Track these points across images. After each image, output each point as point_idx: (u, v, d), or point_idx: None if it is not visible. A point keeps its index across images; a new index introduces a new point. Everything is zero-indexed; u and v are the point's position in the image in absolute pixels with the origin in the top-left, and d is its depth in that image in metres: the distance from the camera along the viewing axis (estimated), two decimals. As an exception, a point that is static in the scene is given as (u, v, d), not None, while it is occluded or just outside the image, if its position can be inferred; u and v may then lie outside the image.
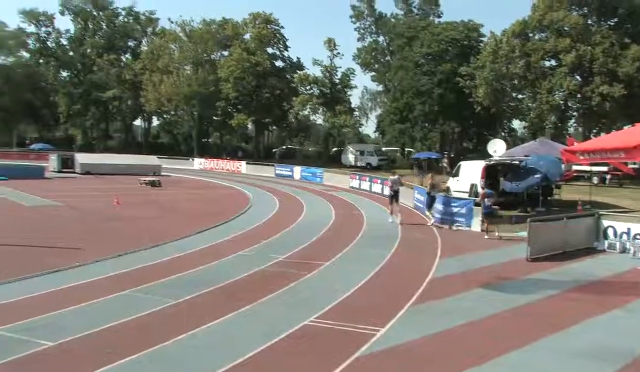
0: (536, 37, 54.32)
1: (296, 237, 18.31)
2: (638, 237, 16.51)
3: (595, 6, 52.40)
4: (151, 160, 52.35)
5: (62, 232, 18.48)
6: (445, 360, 8.22)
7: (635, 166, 38.17)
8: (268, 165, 57.54)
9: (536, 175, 24.79)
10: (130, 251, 15.01)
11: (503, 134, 64.22)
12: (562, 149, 21.96)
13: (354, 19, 78.16)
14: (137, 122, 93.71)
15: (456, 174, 29.44)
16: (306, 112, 76.07)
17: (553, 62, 53.93)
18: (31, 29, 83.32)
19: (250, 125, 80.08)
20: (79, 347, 8.20)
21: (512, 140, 63.65)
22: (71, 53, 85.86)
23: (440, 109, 61.75)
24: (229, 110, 73.70)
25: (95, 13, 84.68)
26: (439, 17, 74.55)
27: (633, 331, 9.72)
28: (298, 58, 77.55)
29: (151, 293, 11.09)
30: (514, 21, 53.70)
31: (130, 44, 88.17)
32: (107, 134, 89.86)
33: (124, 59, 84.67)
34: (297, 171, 50.63)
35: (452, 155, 57.73)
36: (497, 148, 29.47)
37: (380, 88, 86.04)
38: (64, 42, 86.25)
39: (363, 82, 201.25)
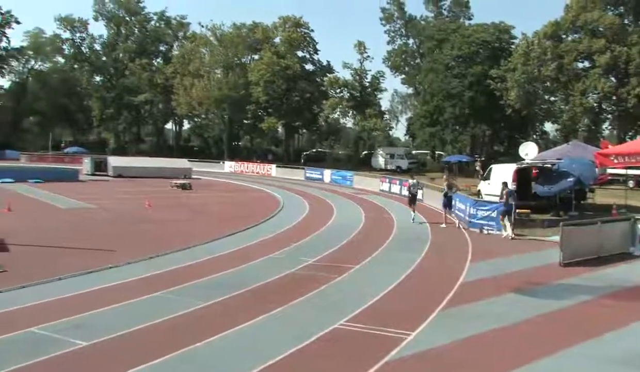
0: (569, 38, 53.50)
1: (326, 241, 18.34)
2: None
3: (632, 5, 51.50)
4: (182, 163, 52.92)
5: (96, 234, 18.79)
6: (476, 365, 8.16)
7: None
8: (298, 168, 57.70)
9: (569, 179, 24.37)
10: (161, 253, 15.22)
11: (535, 136, 63.25)
12: (595, 152, 21.69)
13: (383, 22, 77.82)
14: (169, 125, 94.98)
15: (487, 177, 29.17)
16: (336, 116, 75.93)
17: (587, 64, 53.08)
18: (66, 35, 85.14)
19: (280, 129, 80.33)
20: (112, 347, 8.34)
21: (544, 143, 62.67)
22: (104, 58, 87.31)
23: (470, 112, 61.16)
24: (259, 113, 74.05)
25: (127, 18, 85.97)
26: (470, 19, 73.86)
27: (670, 339, 9.49)
28: (328, 61, 77.53)
29: (183, 295, 11.23)
30: (545, 23, 53.18)
31: (162, 48, 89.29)
32: (139, 138, 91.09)
33: (155, 64, 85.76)
34: (327, 174, 50.69)
35: (483, 159, 57.14)
36: (528, 151, 29.09)
37: (410, 91, 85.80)
38: (98, 47, 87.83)
39: (393, 85, 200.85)
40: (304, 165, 63.51)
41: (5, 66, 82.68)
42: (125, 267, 13.53)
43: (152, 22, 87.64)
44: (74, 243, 16.54)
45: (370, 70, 73.36)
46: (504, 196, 20.59)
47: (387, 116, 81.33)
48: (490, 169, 29.50)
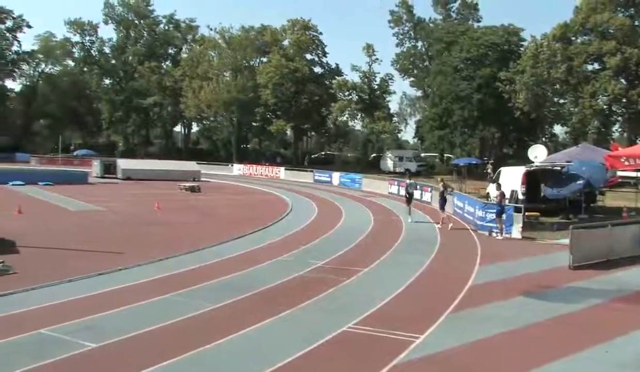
0: (578, 40, 53.20)
1: (335, 243, 18.33)
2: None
3: (643, 6, 51.19)
4: (191, 166, 53.09)
5: (105, 236, 18.85)
6: (485, 369, 8.13)
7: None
8: (307, 171, 57.72)
9: (579, 182, 24.23)
10: (170, 255, 15.25)
11: (544, 139, 62.94)
12: (605, 155, 21.56)
13: (392, 25, 77.61)
14: (177, 128, 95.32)
15: (496, 180, 29.06)
16: (345, 118, 76.18)
17: (596, 66, 52.78)
18: (76, 38, 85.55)
19: (289, 131, 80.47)
20: (121, 349, 8.37)
21: (554, 146, 62.28)
22: (113, 61, 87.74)
23: (479, 115, 60.91)
24: (268, 116, 74.26)
25: (137, 22, 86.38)
26: (478, 21, 73.52)
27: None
28: (337, 64, 77.56)
29: (191, 297, 11.26)
30: (554, 25, 52.85)
31: (171, 51, 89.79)
32: (148, 140, 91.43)
33: (164, 66, 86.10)
34: (336, 177, 50.64)
35: (492, 162, 56.93)
36: (537, 154, 28.95)
37: (419, 94, 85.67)
38: (107, 50, 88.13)
39: (402, 88, 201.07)
40: (307, 168, 63.51)
41: (17, 70, 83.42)
42: (134, 270, 13.57)
43: (161, 25, 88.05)
44: (83, 245, 16.61)
45: (379, 73, 73.76)
46: (498, 197, 20.92)
47: (395, 119, 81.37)
48: (500, 171, 29.41)
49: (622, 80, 50.88)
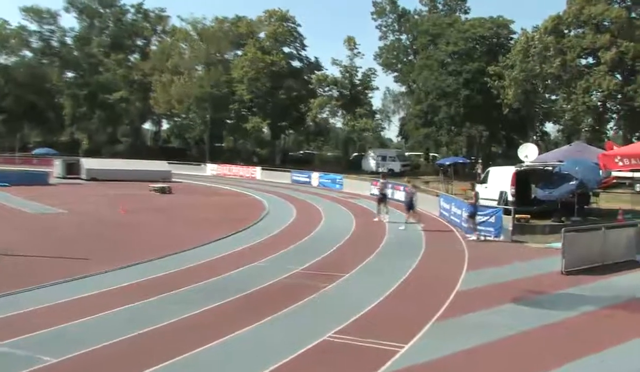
0: (571, 33, 53.53)
1: (315, 248, 18.29)
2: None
3: (640, -3, 51.61)
4: (161, 165, 52.65)
5: (65, 240, 18.63)
6: (473, 380, 8.16)
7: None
8: (284, 171, 57.62)
9: (571, 182, 24.37)
10: (133, 262, 15.03)
11: (535, 137, 63.35)
12: (599, 154, 21.75)
13: (375, 16, 77.68)
14: (146, 125, 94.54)
15: (484, 181, 29.26)
16: (324, 115, 76.13)
17: (590, 60, 53.26)
18: (33, 26, 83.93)
19: (265, 129, 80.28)
20: (83, 363, 8.24)
21: (545, 144, 63.03)
22: (76, 53, 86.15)
23: (467, 111, 61.12)
24: (243, 113, 73.94)
25: (101, 10, 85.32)
26: (466, 13, 73.96)
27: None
28: (316, 58, 77.77)
29: (159, 305, 11.18)
30: (546, 17, 53.17)
31: (139, 43, 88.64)
32: (115, 138, 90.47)
33: (132, 59, 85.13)
34: (315, 178, 50.61)
35: (480, 161, 57.28)
36: (528, 153, 29.16)
37: (403, 89, 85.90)
38: (69, 41, 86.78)
39: (385, 84, 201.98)
40: (283, 167, 63.39)
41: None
42: (97, 277, 13.39)
43: (129, 15, 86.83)
44: (42, 252, 16.39)
45: (360, 68, 73.80)
46: (473, 197, 21.61)
47: (378, 116, 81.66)
48: (488, 172, 29.59)
49: (617, 76, 51.26)
